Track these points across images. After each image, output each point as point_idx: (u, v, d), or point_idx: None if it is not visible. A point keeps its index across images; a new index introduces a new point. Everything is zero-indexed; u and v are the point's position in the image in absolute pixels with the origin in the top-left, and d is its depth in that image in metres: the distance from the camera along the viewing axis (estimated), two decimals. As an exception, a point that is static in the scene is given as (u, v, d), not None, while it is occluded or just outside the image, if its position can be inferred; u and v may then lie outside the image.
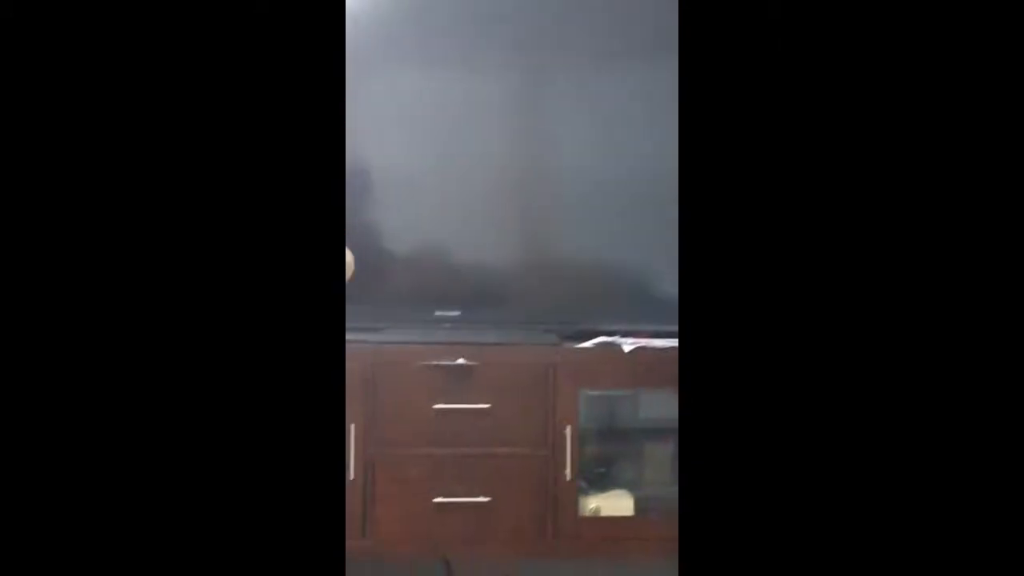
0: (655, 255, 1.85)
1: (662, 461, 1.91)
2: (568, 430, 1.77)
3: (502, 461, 1.77)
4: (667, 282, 1.73)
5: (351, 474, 1.72)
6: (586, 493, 1.84)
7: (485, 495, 1.75)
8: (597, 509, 1.83)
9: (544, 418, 1.78)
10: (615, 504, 1.84)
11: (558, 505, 1.77)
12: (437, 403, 1.73)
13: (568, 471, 1.77)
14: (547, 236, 1.96)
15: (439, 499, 1.74)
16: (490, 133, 1.95)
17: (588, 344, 1.85)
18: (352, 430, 1.71)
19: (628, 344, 1.82)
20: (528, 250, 1.93)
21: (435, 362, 1.73)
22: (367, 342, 1.74)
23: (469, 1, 1.88)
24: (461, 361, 1.74)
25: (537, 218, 1.93)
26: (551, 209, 1.95)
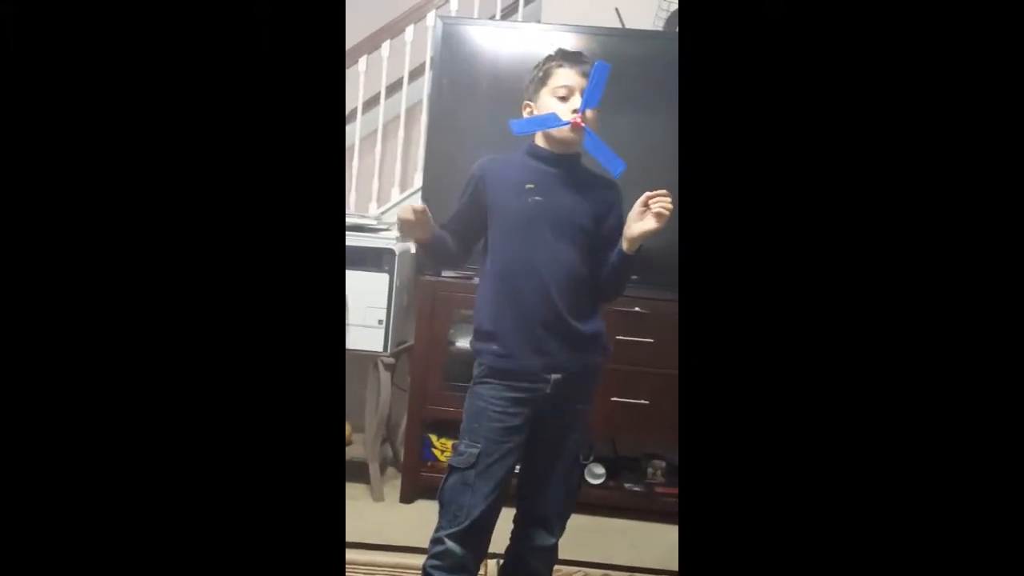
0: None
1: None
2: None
3: (658, 376, 2.61)
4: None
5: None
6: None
7: (645, 399, 2.63)
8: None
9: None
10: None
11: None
12: (619, 335, 2.60)
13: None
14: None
15: (615, 398, 2.62)
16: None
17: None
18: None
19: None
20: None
21: (620, 308, 2.59)
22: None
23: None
24: (636, 308, 2.62)
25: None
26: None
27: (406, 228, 1.54)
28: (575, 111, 1.54)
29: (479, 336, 1.62)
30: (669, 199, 1.48)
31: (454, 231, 1.62)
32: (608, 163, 1.55)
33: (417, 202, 1.56)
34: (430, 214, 1.54)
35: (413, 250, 2.84)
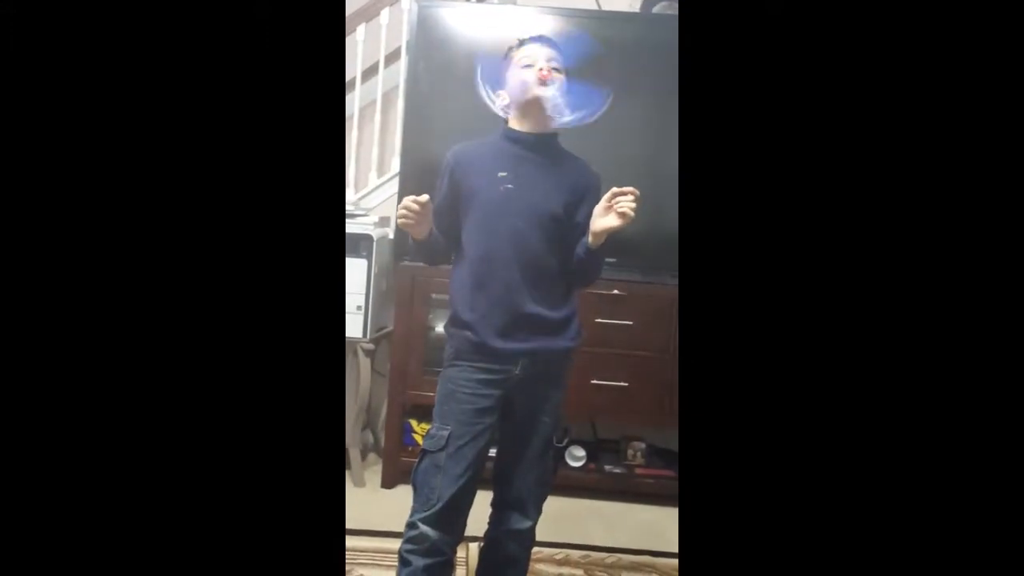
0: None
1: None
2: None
3: (637, 359, 2.65)
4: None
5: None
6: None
7: (624, 381, 2.65)
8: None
9: (666, 332, 2.63)
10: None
11: (672, 390, 2.61)
12: (597, 318, 2.61)
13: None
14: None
15: (595, 381, 2.64)
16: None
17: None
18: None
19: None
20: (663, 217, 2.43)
21: (598, 291, 2.60)
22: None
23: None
24: (615, 291, 2.63)
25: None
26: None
27: (411, 225, 1.53)
28: (540, 68, 1.55)
29: (451, 320, 1.63)
30: (633, 198, 1.47)
31: (440, 228, 1.61)
32: (590, 99, 1.54)
33: (405, 193, 1.53)
34: (431, 207, 1.53)
35: (391, 236, 2.83)
